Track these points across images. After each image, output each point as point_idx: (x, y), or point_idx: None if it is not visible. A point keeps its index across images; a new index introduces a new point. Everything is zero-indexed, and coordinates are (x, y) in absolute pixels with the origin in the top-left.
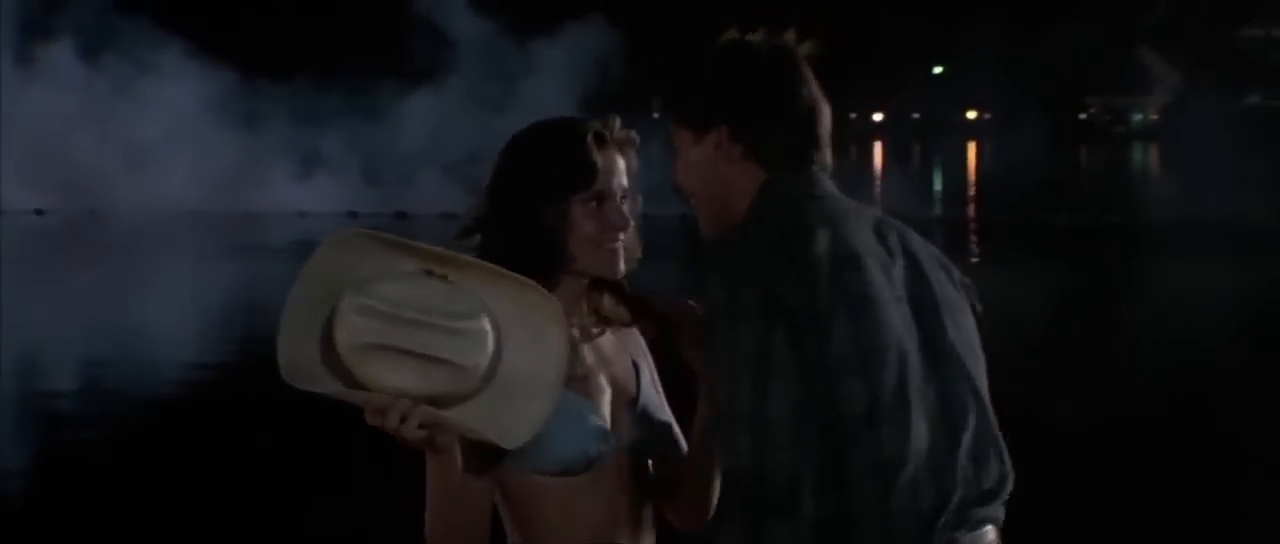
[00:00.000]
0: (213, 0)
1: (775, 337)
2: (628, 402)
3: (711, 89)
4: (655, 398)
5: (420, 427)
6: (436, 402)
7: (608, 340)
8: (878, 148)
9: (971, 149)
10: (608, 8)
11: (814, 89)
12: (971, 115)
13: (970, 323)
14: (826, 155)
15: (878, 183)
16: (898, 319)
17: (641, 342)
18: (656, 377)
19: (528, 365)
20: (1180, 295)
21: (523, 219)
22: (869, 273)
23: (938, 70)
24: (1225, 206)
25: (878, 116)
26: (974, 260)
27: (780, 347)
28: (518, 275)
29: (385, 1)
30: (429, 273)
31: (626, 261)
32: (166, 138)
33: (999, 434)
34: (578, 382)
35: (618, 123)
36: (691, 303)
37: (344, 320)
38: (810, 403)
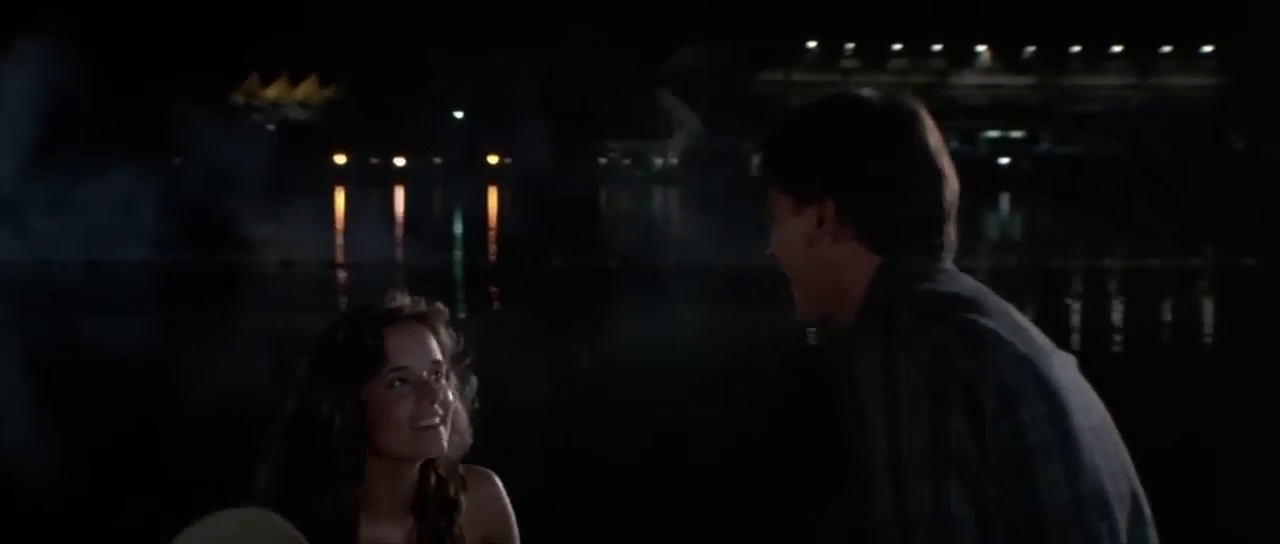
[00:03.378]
0: None
1: (953, 425)
2: None
3: (817, 153)
4: None
5: None
6: None
7: (418, 529)
8: (399, 193)
9: (493, 194)
10: (67, 31)
11: (942, 156)
12: (493, 160)
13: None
14: (952, 233)
15: (398, 228)
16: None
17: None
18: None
19: None
20: (676, 340)
21: (320, 410)
22: (1048, 351)
23: (459, 115)
24: (739, 251)
25: (400, 161)
26: (495, 305)
27: (960, 436)
28: None
29: None
30: None
31: (452, 443)
32: None
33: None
34: None
35: (407, 301)
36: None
37: None
38: (997, 501)
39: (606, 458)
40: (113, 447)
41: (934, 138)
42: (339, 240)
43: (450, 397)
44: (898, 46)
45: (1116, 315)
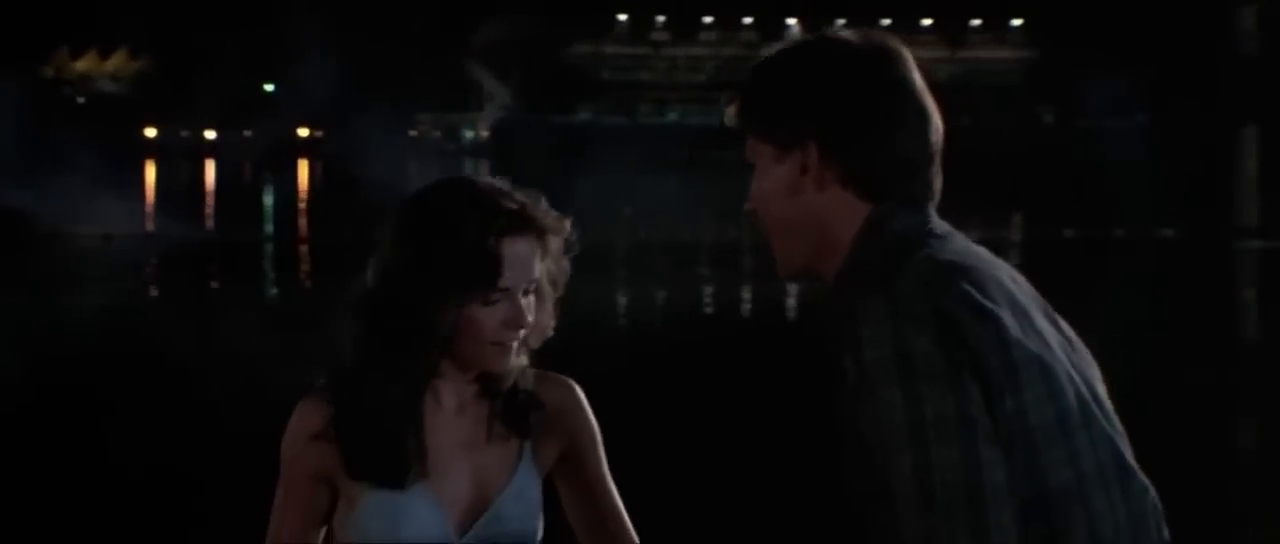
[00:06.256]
0: None
1: (974, 395)
2: (483, 499)
3: (800, 95)
4: (520, 503)
5: None
6: None
7: (484, 425)
8: (210, 166)
9: (303, 167)
10: None
11: (927, 96)
12: (304, 133)
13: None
14: (938, 178)
15: (209, 201)
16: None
17: (557, 407)
18: (590, 459)
19: None
20: None
21: (423, 310)
22: (1039, 324)
23: (269, 88)
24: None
25: (210, 135)
26: (307, 282)
27: (980, 406)
28: None
29: None
30: None
31: (531, 344)
32: None
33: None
34: (431, 470)
35: (534, 207)
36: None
37: None
38: (1015, 478)
39: None
40: None
41: (918, 78)
42: (154, 214)
43: (532, 316)
44: (709, 19)
45: None
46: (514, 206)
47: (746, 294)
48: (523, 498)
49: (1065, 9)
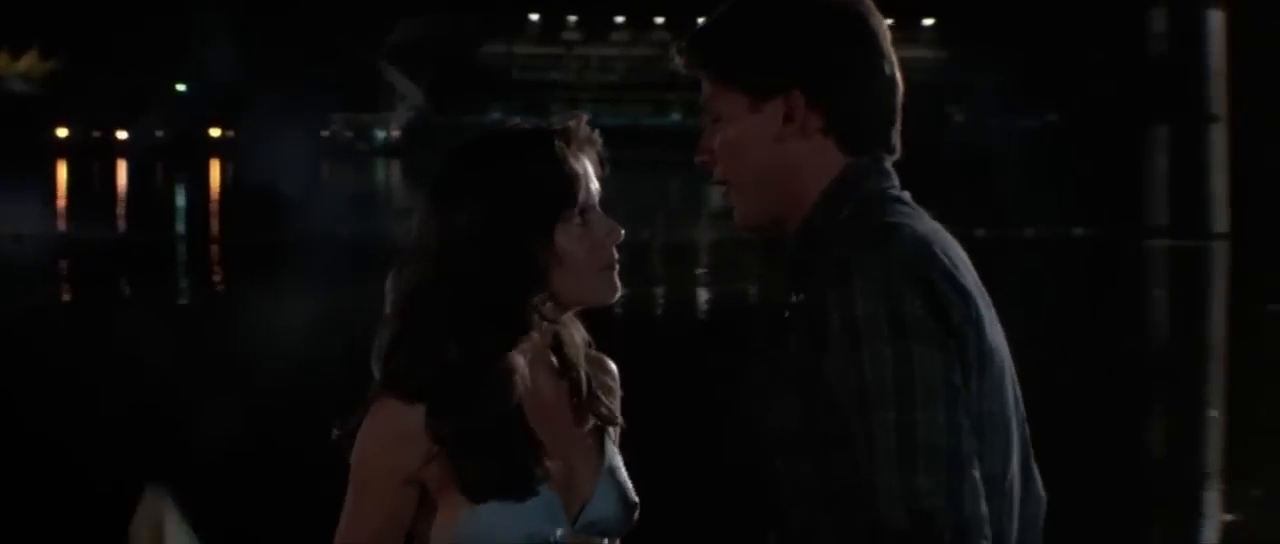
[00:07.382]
0: None
1: (956, 365)
2: (583, 486)
3: (786, 42)
4: (619, 484)
5: None
6: None
7: (568, 408)
8: (121, 166)
9: (215, 166)
10: None
11: (894, 57)
12: (216, 133)
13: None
14: (898, 141)
15: (120, 202)
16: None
17: (613, 385)
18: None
19: None
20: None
21: (506, 257)
22: (993, 315)
23: (181, 88)
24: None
25: (122, 135)
26: (218, 283)
27: (960, 377)
28: None
29: None
30: None
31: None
32: None
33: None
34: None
35: (585, 121)
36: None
37: None
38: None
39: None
40: None
41: (887, 32)
42: (66, 215)
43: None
44: (620, 19)
45: None
46: (562, 124)
47: (659, 293)
48: (619, 478)
49: (976, 9)
